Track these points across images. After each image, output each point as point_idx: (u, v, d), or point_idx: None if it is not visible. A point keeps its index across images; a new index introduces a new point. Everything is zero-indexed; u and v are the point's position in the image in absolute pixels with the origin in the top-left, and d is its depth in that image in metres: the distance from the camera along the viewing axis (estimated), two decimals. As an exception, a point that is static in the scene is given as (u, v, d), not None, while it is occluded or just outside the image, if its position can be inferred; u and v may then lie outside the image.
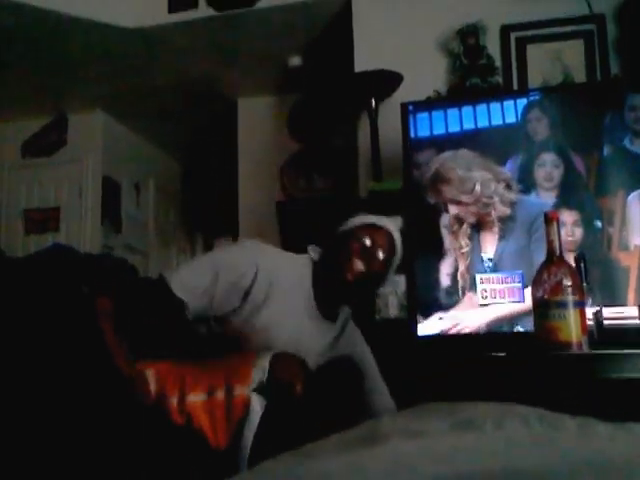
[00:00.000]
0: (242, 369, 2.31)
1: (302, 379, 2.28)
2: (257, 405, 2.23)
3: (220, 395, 2.27)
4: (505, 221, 3.09)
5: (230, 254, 2.58)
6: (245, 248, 2.63)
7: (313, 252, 2.67)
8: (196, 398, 2.29)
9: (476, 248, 3.09)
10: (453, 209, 3.15)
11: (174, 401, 2.30)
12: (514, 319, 2.99)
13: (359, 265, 2.53)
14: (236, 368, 2.32)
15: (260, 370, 2.28)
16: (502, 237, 3.08)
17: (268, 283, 2.48)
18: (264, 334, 2.49)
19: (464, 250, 3.10)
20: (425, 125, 3.30)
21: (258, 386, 2.25)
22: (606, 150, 3.05)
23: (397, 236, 2.64)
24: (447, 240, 3.15)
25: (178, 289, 2.39)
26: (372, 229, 2.61)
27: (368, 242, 2.57)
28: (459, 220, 3.13)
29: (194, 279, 2.45)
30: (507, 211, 3.09)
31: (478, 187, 3.12)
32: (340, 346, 2.69)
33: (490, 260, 3.07)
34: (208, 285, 2.47)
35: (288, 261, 2.66)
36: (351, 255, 2.54)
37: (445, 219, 3.16)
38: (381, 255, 2.58)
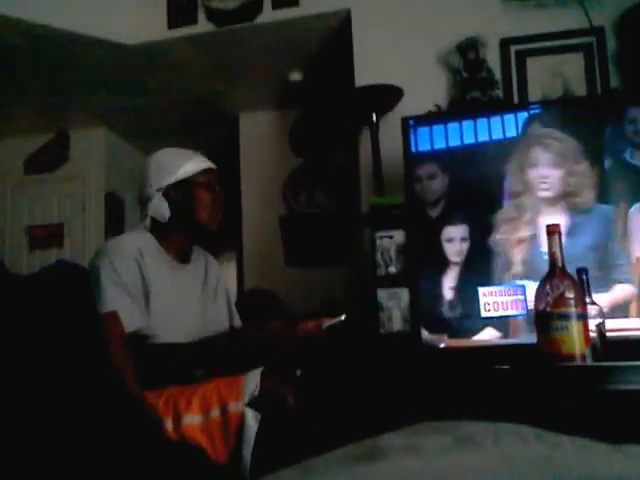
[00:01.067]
0: (233, 387, 2.33)
1: (292, 390, 2.31)
2: (252, 419, 2.25)
3: (216, 414, 2.30)
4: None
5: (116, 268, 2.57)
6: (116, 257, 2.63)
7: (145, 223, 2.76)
8: (192, 420, 2.31)
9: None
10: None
11: (169, 424, 2.32)
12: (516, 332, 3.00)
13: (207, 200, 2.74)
14: (228, 387, 2.34)
15: (251, 384, 2.31)
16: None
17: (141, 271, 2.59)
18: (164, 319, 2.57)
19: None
20: (426, 139, 3.31)
21: (250, 399, 2.27)
22: (607, 163, 3.04)
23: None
24: (449, 252, 3.15)
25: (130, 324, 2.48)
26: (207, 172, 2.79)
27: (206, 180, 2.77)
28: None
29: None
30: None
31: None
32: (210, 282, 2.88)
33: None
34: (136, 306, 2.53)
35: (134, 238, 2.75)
36: (200, 197, 2.73)
37: (447, 233, 3.17)
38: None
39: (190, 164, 2.74)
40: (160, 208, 2.70)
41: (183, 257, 2.80)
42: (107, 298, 2.47)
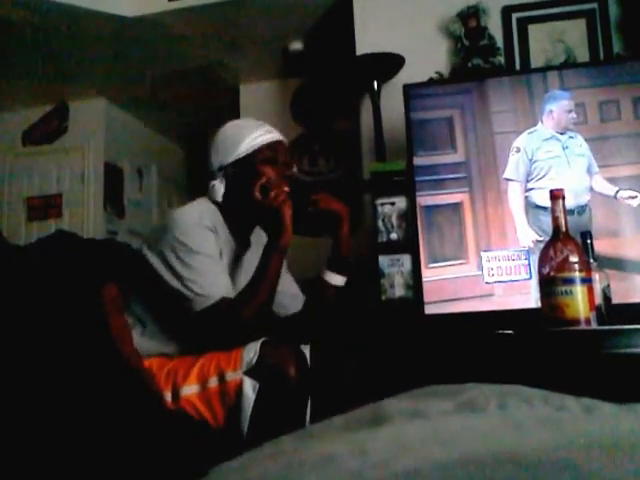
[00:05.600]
0: (233, 355, 2.32)
1: (294, 363, 2.28)
2: (249, 388, 2.24)
3: (213, 383, 2.29)
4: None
5: (195, 234, 2.46)
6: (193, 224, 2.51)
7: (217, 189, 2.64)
8: (190, 390, 2.30)
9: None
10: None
11: (168, 395, 2.32)
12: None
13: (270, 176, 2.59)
14: (227, 356, 2.33)
15: (249, 352, 2.29)
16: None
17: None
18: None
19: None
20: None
21: (247, 368, 2.26)
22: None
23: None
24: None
25: (216, 292, 2.38)
26: (271, 146, 2.64)
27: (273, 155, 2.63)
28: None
29: (211, 276, 2.42)
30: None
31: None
32: None
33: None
34: (220, 269, 2.47)
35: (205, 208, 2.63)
36: (262, 174, 2.59)
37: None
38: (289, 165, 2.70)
39: (250, 139, 2.60)
40: (217, 188, 2.60)
41: (243, 239, 2.70)
42: (194, 267, 2.38)
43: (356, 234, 3.57)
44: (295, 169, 2.71)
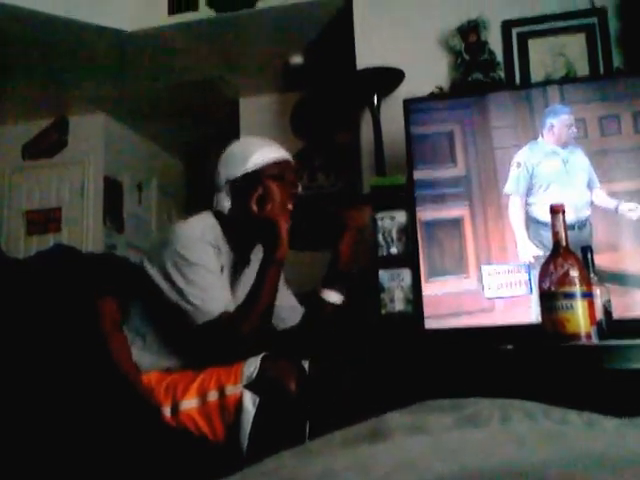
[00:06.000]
0: (233, 370, 2.31)
1: (295, 377, 2.28)
2: (249, 402, 2.23)
3: (213, 397, 2.29)
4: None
5: (196, 248, 2.45)
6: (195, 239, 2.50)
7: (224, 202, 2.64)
8: (190, 404, 2.30)
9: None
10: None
11: (167, 409, 2.31)
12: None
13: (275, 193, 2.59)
14: (227, 370, 2.33)
15: (250, 367, 2.29)
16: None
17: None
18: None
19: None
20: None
21: (248, 382, 2.26)
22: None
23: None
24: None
25: (217, 306, 2.37)
26: (279, 163, 2.65)
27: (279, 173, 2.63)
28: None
29: (211, 290, 2.41)
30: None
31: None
32: None
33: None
34: (220, 283, 2.47)
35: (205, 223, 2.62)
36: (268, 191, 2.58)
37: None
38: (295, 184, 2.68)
39: (259, 155, 2.61)
40: (222, 201, 2.60)
41: (244, 255, 2.71)
42: (194, 281, 2.38)
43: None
44: (300, 188, 2.71)
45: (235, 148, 2.69)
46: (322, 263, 2.83)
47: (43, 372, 2.27)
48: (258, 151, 2.62)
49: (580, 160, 3.10)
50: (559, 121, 3.15)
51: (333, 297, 2.76)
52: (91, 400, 2.24)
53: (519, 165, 3.14)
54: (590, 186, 3.07)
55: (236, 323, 2.34)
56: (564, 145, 3.12)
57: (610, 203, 3.05)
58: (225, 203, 2.60)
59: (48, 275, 2.55)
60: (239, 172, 2.60)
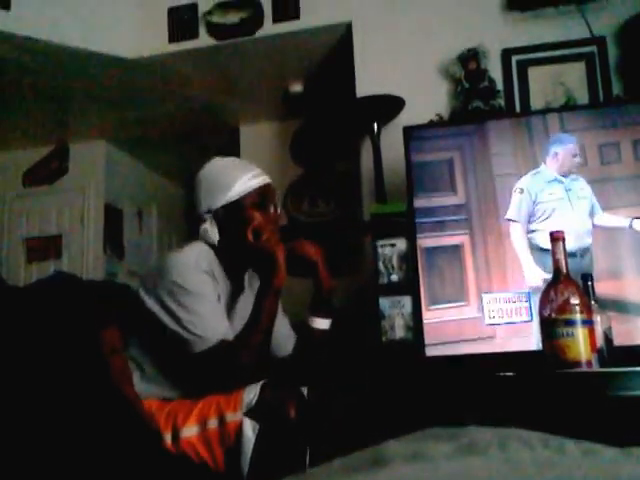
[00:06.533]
0: (233, 397, 2.31)
1: (294, 404, 2.27)
2: (249, 429, 2.23)
3: (213, 424, 2.29)
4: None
5: (192, 277, 2.46)
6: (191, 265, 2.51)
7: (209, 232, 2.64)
8: (190, 432, 2.29)
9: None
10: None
11: (168, 436, 2.31)
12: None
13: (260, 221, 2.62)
14: (227, 398, 2.32)
15: (250, 394, 2.29)
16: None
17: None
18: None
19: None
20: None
21: (248, 409, 2.25)
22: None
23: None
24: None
25: (215, 334, 2.38)
26: (260, 190, 2.66)
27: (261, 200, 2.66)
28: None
29: (210, 318, 2.41)
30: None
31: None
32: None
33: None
34: (218, 311, 2.47)
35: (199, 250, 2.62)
36: (253, 219, 2.60)
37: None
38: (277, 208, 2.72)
39: (240, 183, 2.61)
40: (210, 232, 2.60)
41: (238, 281, 2.72)
42: (192, 310, 2.38)
43: (356, 276, 3.56)
44: (279, 211, 2.72)
45: (214, 175, 2.68)
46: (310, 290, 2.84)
47: (43, 397, 2.26)
48: (239, 179, 2.63)
49: (582, 188, 3.10)
50: (564, 150, 3.15)
51: (320, 324, 2.77)
52: (92, 425, 2.23)
53: (522, 191, 3.14)
54: (592, 214, 3.07)
55: (235, 351, 2.34)
56: (566, 173, 3.13)
57: (622, 221, 3.03)
58: (213, 235, 2.61)
59: (49, 302, 2.54)
60: (221, 202, 2.61)
